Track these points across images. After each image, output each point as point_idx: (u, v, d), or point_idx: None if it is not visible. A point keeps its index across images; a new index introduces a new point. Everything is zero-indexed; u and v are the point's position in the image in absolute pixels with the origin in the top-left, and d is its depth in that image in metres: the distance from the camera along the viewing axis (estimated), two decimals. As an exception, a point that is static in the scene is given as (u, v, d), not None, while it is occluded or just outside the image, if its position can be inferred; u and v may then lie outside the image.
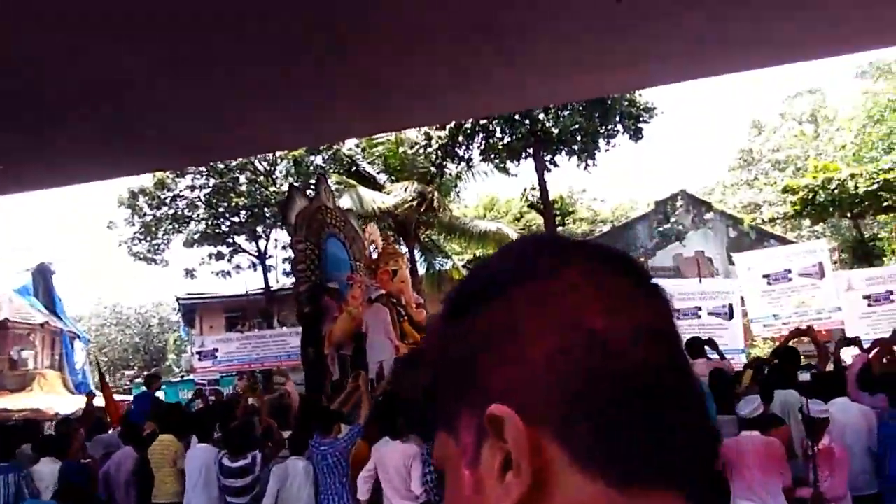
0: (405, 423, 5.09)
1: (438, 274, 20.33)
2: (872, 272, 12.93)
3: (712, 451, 0.55)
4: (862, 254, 17.15)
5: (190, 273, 24.60)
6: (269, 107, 5.65)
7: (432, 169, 18.74)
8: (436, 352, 0.55)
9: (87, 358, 24.15)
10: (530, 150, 17.92)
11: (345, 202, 15.40)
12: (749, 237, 25.79)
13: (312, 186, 11.62)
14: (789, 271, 12.55)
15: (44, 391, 19.28)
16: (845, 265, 17.31)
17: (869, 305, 11.69)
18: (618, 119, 17.27)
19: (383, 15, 4.39)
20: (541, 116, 17.22)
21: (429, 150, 17.79)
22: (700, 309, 13.31)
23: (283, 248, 24.96)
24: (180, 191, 22.96)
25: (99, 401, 10.52)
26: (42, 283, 23.07)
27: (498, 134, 17.87)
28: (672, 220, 25.96)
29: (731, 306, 13.38)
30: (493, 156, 18.05)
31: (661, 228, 26.03)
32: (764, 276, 12.71)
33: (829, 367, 5.87)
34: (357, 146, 20.97)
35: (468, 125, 17.07)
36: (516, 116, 16.91)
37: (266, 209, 22.09)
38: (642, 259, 26.02)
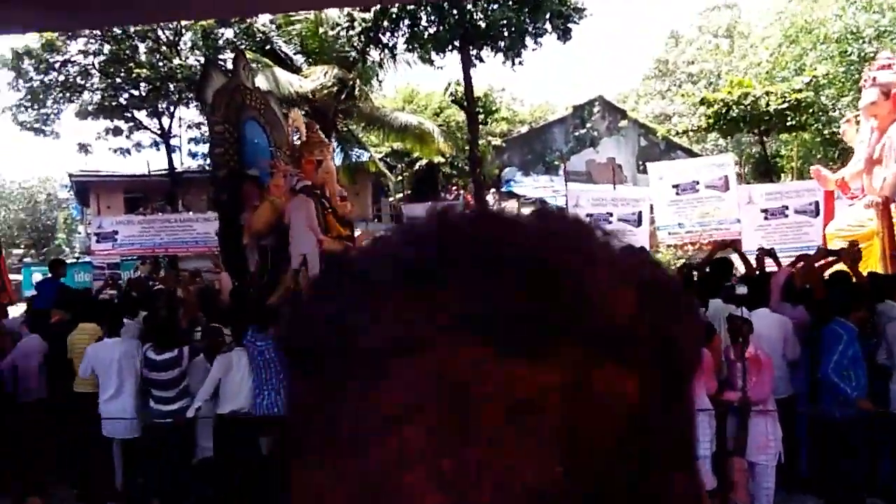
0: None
1: (354, 166, 19.84)
2: (771, 187, 13.58)
3: None
4: (764, 170, 18.02)
5: (84, 148, 22.88)
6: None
7: (354, 54, 17.82)
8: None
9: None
10: (457, 43, 17.31)
11: (258, 83, 14.47)
12: (659, 147, 26.60)
13: (231, 62, 10.76)
14: (697, 182, 12.96)
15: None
16: (746, 180, 18.18)
17: (765, 219, 12.28)
18: (548, 17, 16.84)
19: None
20: (469, 8, 16.57)
21: (351, 33, 16.83)
22: (611, 215, 13.65)
23: (190, 127, 23.55)
24: (72, 55, 20.88)
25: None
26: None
27: (424, 22, 17.11)
28: (588, 125, 26.32)
29: (640, 214, 13.80)
30: (418, 45, 17.32)
31: (576, 133, 26.41)
32: (673, 186, 13.10)
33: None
34: (272, 22, 19.57)
35: (394, 10, 16.20)
36: (445, 6, 16.21)
37: (170, 84, 20.51)
38: (557, 162, 26.43)
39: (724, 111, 17.26)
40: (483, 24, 16.81)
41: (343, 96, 16.95)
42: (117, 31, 19.12)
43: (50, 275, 9.71)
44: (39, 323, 6.26)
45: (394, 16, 16.62)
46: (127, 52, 20.48)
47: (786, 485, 4.57)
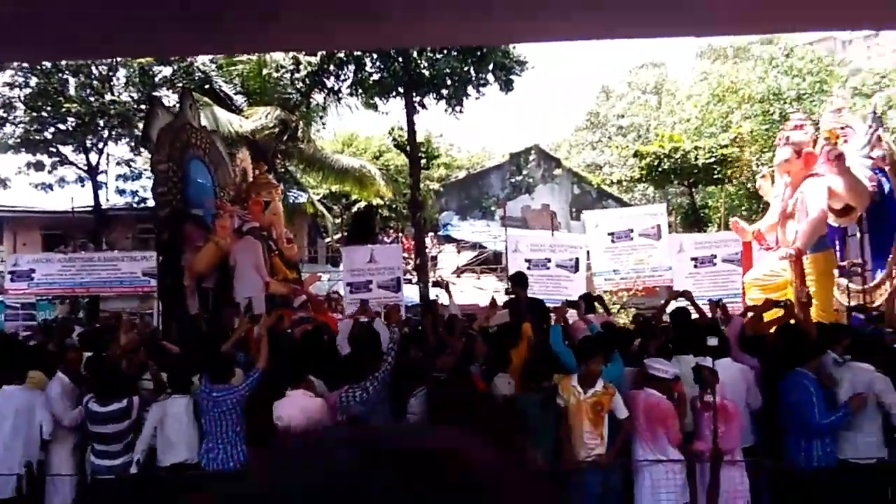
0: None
1: (292, 207, 19.57)
2: (701, 237, 14.11)
3: None
4: (693, 220, 18.77)
5: (3, 182, 21.73)
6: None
7: (297, 96, 17.75)
8: None
9: None
10: (400, 90, 17.50)
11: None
12: (591, 195, 27.39)
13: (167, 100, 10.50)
14: (631, 231, 13.27)
15: None
16: (675, 230, 18.89)
17: (695, 267, 12.67)
18: (490, 69, 17.26)
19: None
20: (414, 56, 16.83)
21: (296, 75, 16.77)
22: (550, 261, 13.81)
23: (119, 163, 22.77)
24: (-6, 87, 19.95)
25: None
26: None
27: (369, 68, 17.25)
28: (524, 172, 26.89)
29: (577, 260, 14.03)
30: (362, 90, 17.41)
31: (513, 180, 26.92)
32: (609, 234, 13.38)
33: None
34: (212, 62, 19.32)
35: (341, 55, 16.28)
36: (391, 53, 16.41)
37: (101, 119, 19.82)
38: (494, 208, 26.83)
39: (656, 163, 17.99)
40: (427, 73, 17.06)
41: (285, 137, 16.77)
42: (47, 64, 18.42)
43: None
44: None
45: (339, 61, 16.69)
46: (56, 85, 19.74)
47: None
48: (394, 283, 12.43)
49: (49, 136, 20.73)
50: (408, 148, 17.89)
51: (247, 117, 17.11)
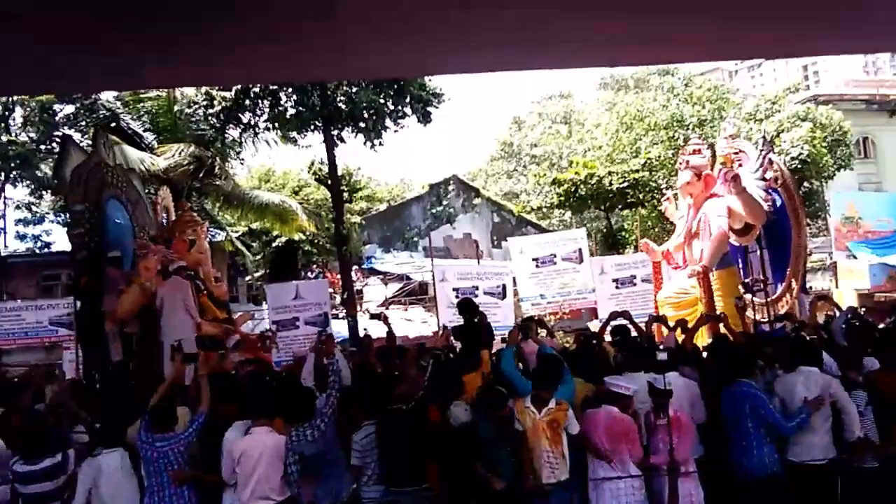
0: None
1: (211, 246, 18.94)
2: (620, 259, 14.57)
3: None
4: (611, 243, 19.43)
5: None
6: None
7: (211, 132, 17.31)
8: None
9: None
10: (319, 123, 17.41)
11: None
12: (510, 223, 27.95)
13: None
14: (554, 256, 13.54)
15: None
16: (594, 253, 19.48)
17: (616, 288, 13.06)
18: (408, 101, 17.45)
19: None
20: (332, 89, 16.82)
21: (210, 111, 16.40)
22: (477, 288, 13.91)
23: (18, 207, 21.50)
24: None
25: None
26: None
27: (284, 102, 17.09)
28: (444, 203, 27.18)
29: (504, 286, 14.19)
30: (278, 125, 17.22)
31: (434, 210, 27.15)
32: (533, 259, 13.61)
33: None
34: (117, 99, 18.64)
35: (256, 89, 16.07)
36: (308, 87, 16.33)
37: (-3, 161, 18.77)
38: (416, 238, 26.93)
39: (573, 190, 18.58)
40: (345, 107, 17.06)
41: (201, 174, 16.30)
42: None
43: None
44: None
45: (254, 95, 16.47)
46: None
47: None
48: (321, 319, 12.21)
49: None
50: (329, 182, 17.75)
51: (158, 155, 16.56)
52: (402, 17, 4.88)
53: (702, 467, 4.78)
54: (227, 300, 10.28)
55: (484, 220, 27.94)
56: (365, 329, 16.08)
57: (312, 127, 17.48)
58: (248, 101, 16.33)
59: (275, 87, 16.10)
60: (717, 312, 8.46)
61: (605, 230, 20.17)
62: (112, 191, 9.35)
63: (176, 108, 17.05)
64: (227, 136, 17.45)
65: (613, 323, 7.12)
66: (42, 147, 19.09)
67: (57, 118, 18.68)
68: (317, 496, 4.69)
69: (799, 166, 17.53)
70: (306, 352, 7.59)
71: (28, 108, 19.06)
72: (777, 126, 18.32)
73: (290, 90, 16.63)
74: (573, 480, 4.73)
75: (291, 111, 17.13)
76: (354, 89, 16.92)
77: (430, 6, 4.78)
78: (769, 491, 4.60)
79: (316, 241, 23.04)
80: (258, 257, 23.25)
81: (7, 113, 19.34)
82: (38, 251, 22.19)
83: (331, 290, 18.04)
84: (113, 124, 18.05)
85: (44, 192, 20.33)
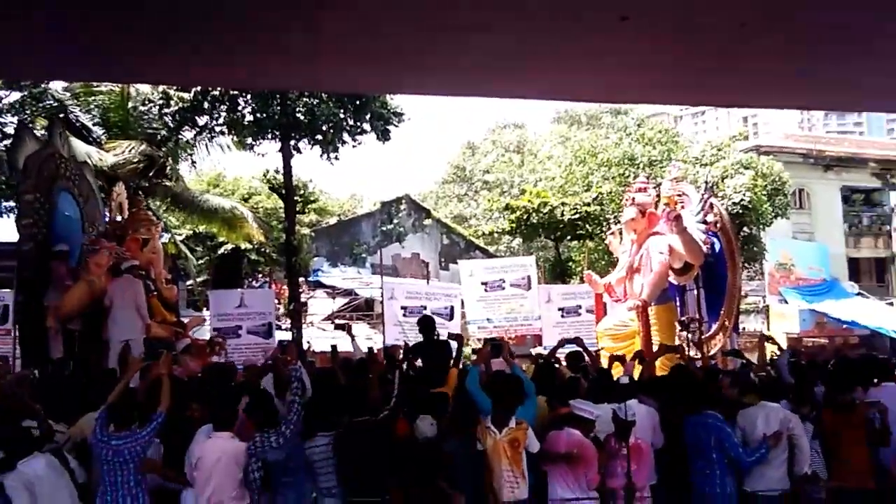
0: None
1: (154, 247, 18.44)
2: (567, 288, 14.88)
3: None
4: (559, 272, 19.79)
5: None
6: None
7: (163, 132, 16.94)
8: None
9: None
10: (276, 131, 17.25)
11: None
12: (459, 246, 28.17)
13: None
14: (503, 281, 13.72)
15: None
16: (543, 281, 19.80)
17: (562, 316, 13.33)
18: (368, 118, 17.47)
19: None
20: (292, 98, 16.72)
21: (166, 111, 16.07)
22: (425, 308, 13.95)
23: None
24: None
25: None
26: None
27: (242, 107, 16.89)
28: (395, 221, 27.22)
29: (452, 308, 14.29)
30: (234, 130, 16.98)
31: (384, 228, 27.15)
32: (482, 283, 13.75)
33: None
34: (66, 90, 18.05)
35: (216, 92, 15.84)
36: (267, 94, 16.21)
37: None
38: (365, 255, 26.82)
39: (525, 217, 18.89)
40: (304, 118, 16.97)
41: (151, 174, 15.91)
42: None
43: None
44: None
45: (212, 98, 16.22)
46: None
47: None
48: (265, 329, 12.02)
49: None
50: (283, 191, 17.57)
51: (107, 150, 16.08)
52: (379, 35, 5.01)
53: (655, 493, 4.92)
54: (176, 303, 10.03)
55: (433, 242, 28.08)
56: (308, 342, 15.89)
57: (270, 135, 17.30)
58: (206, 104, 16.04)
59: (235, 91, 15.89)
60: (654, 347, 8.81)
61: (553, 259, 20.55)
62: (64, 183, 9.06)
63: (130, 104, 16.64)
64: (180, 136, 17.08)
65: (567, 349, 7.28)
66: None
67: (0, 104, 17.88)
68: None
69: (740, 212, 18.29)
70: (259, 360, 7.49)
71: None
72: (722, 172, 19.10)
73: (249, 96, 16.46)
74: (532, 500, 4.80)
75: (249, 117, 16.94)
76: (315, 101, 16.86)
77: (409, 28, 4.94)
78: None
79: (263, 250, 22.70)
80: (201, 262, 22.73)
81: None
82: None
83: (276, 300, 17.75)
84: (61, 115, 17.49)
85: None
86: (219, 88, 15.61)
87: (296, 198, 17.43)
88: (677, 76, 5.94)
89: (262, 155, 17.54)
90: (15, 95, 18.16)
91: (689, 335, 9.47)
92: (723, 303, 10.03)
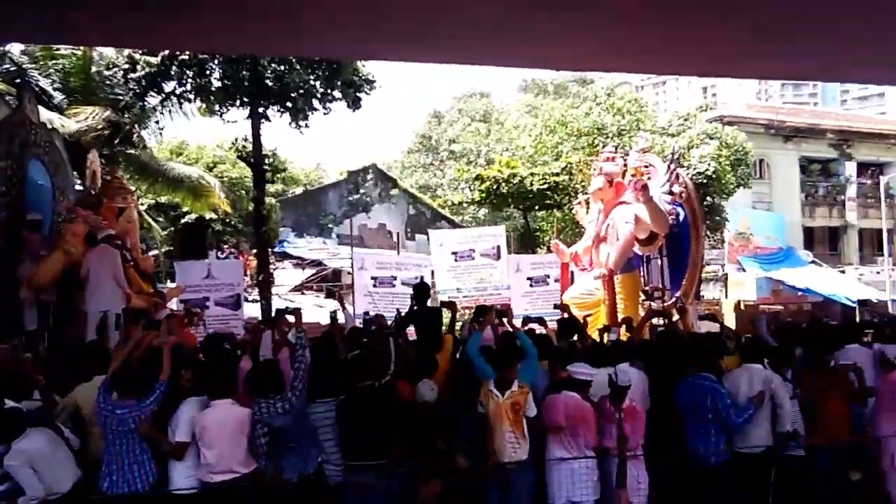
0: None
1: (117, 216, 18.01)
2: (535, 258, 15.03)
3: None
4: (528, 242, 19.98)
5: None
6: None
7: (128, 98, 16.46)
8: None
9: None
10: (244, 98, 16.91)
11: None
12: (425, 216, 28.16)
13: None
14: (473, 251, 13.84)
15: None
16: (512, 251, 19.96)
17: (531, 286, 13.55)
18: (340, 85, 17.24)
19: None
20: (262, 66, 16.39)
21: (131, 76, 15.60)
22: (395, 279, 14.03)
23: None
24: None
25: None
26: None
27: (210, 73, 16.48)
28: (361, 191, 27.04)
29: (422, 278, 14.38)
30: (202, 97, 16.58)
31: (350, 198, 26.96)
32: (452, 253, 13.85)
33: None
34: (24, 53, 17.36)
35: (185, 56, 15.42)
36: (236, 59, 15.85)
37: None
38: (331, 225, 26.63)
39: (495, 187, 18.95)
40: (273, 84, 16.66)
41: (116, 141, 15.48)
42: None
43: None
44: None
45: (180, 63, 15.79)
46: None
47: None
48: (233, 300, 11.94)
49: None
50: (251, 160, 17.29)
51: (69, 117, 15.58)
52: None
53: (646, 452, 5.13)
54: (152, 273, 9.88)
55: (399, 212, 28.03)
56: (278, 310, 15.81)
57: (238, 102, 16.96)
58: (174, 69, 15.61)
59: (203, 56, 15.49)
60: (619, 315, 9.04)
61: (521, 229, 20.70)
62: (35, 150, 8.82)
63: (93, 69, 16.10)
64: (145, 103, 16.62)
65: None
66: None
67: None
68: (283, 469, 4.69)
69: (704, 181, 18.64)
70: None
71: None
72: (688, 142, 19.40)
73: (218, 61, 16.06)
74: (532, 460, 4.96)
75: (217, 84, 16.56)
76: (285, 68, 16.56)
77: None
78: (723, 475, 5.03)
79: (228, 220, 22.37)
80: (164, 233, 22.31)
81: None
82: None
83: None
84: (17, 80, 16.83)
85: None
86: (187, 53, 15.22)
87: (264, 167, 17.14)
88: (650, 44, 5.98)
89: (233, 122, 17.08)
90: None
91: (653, 304, 9.69)
92: (684, 272, 10.23)
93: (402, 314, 6.64)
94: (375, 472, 4.64)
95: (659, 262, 10.44)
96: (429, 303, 13.16)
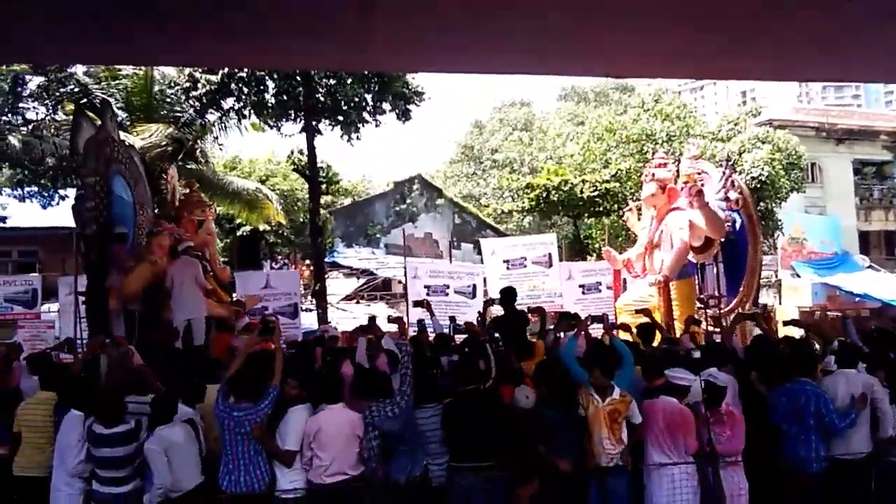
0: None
1: (177, 230, 18.54)
2: (587, 265, 15.01)
3: None
4: (578, 249, 19.97)
5: None
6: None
7: (188, 115, 16.98)
8: None
9: None
10: (299, 113, 17.31)
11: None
12: (471, 225, 28.31)
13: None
14: (525, 259, 13.88)
15: None
16: (562, 258, 19.96)
17: (583, 293, 13.51)
18: (390, 98, 17.52)
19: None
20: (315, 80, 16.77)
21: (192, 93, 16.10)
22: (448, 287, 14.13)
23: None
24: None
25: None
26: None
27: (271, 89, 16.93)
28: (408, 201, 27.33)
29: (474, 286, 14.46)
30: (262, 112, 17.03)
31: (397, 208, 27.28)
32: (504, 262, 13.91)
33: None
34: (87, 74, 18.04)
35: (242, 74, 15.87)
36: (290, 76, 16.27)
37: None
38: (379, 235, 26.95)
39: (544, 195, 19.03)
40: (325, 99, 17.02)
41: (180, 156, 15.99)
42: None
43: None
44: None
45: (239, 80, 16.25)
46: None
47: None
48: (291, 310, 12.20)
49: None
50: (307, 172, 17.66)
51: (135, 135, 16.14)
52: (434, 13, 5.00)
53: (746, 459, 5.14)
54: (229, 283, 10.19)
55: (445, 221, 28.22)
56: (331, 321, 16.06)
57: (292, 116, 17.36)
58: (232, 86, 16.07)
59: (261, 73, 15.92)
60: (675, 321, 8.98)
61: (571, 237, 20.71)
62: (117, 166, 9.17)
63: (156, 88, 16.66)
64: (205, 119, 17.13)
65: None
66: (3, 118, 18.28)
67: (21, 91, 17.87)
68: (391, 472, 4.84)
69: (757, 186, 18.46)
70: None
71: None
72: (739, 147, 19.24)
73: (273, 78, 16.49)
74: (630, 465, 5.02)
75: (272, 100, 16.98)
76: (334, 81, 16.91)
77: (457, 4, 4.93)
78: (822, 483, 5.02)
79: (280, 231, 22.82)
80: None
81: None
82: (-7, 226, 21.12)
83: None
84: (84, 100, 17.48)
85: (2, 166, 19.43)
86: (245, 70, 15.65)
87: (319, 179, 17.49)
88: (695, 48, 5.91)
89: (288, 136, 17.48)
90: (38, 79, 18.17)
91: (709, 311, 9.60)
92: (741, 279, 10.11)
93: (487, 320, 6.74)
94: (481, 474, 4.75)
95: (714, 269, 10.37)
96: (473, 314, 13.31)
